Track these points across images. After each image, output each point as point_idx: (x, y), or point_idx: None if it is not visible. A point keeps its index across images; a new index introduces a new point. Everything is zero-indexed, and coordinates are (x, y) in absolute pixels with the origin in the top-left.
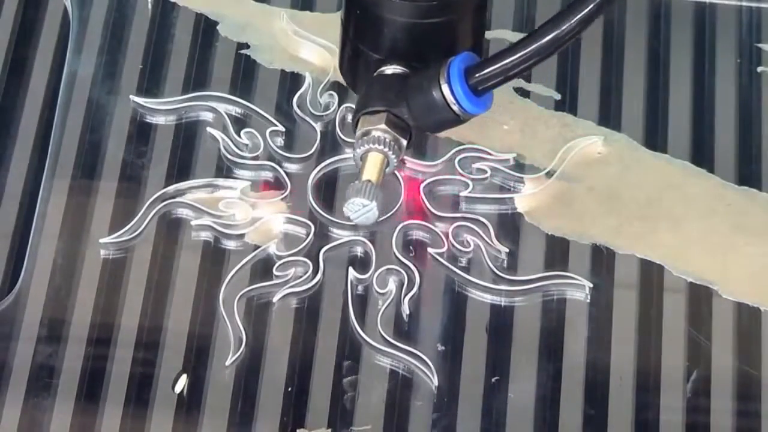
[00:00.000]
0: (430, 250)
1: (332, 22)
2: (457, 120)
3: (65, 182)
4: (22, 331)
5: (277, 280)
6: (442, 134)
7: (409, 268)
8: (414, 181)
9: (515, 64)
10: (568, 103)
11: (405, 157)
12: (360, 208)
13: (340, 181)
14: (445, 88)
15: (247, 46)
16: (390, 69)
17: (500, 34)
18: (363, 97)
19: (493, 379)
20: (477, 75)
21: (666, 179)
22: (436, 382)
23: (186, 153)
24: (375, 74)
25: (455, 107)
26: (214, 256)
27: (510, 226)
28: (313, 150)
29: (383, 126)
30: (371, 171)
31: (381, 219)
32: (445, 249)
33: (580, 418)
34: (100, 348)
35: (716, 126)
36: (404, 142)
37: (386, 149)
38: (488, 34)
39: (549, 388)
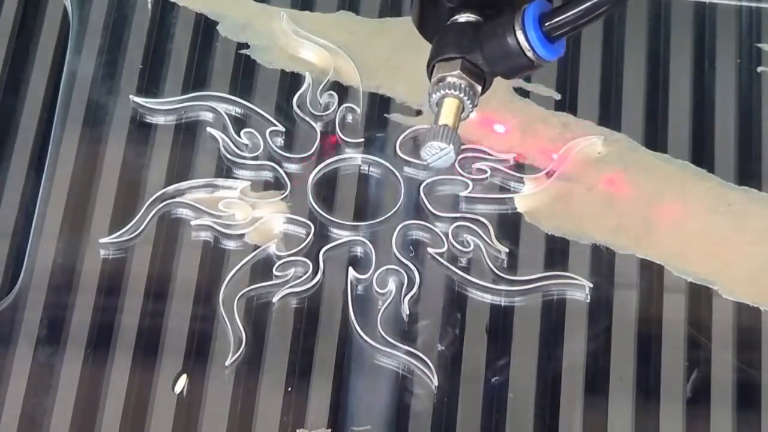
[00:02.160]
0: (430, 250)
1: (332, 22)
2: (531, 65)
3: (65, 182)
4: (22, 331)
5: (277, 280)
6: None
7: (409, 268)
8: None
9: (588, 11)
10: (568, 103)
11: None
12: (437, 152)
13: (340, 181)
14: (519, 34)
15: (247, 46)
16: (463, 17)
17: None
18: (437, 45)
19: (493, 379)
20: (551, 22)
21: (666, 179)
22: (436, 382)
23: (186, 153)
24: (449, 23)
25: (530, 53)
26: (214, 256)
27: (510, 226)
28: (313, 150)
29: (458, 72)
30: (448, 116)
31: (381, 219)
32: (445, 249)
33: (580, 418)
34: (100, 348)
35: (716, 126)
36: (479, 88)
37: (462, 95)
38: None
39: (549, 388)
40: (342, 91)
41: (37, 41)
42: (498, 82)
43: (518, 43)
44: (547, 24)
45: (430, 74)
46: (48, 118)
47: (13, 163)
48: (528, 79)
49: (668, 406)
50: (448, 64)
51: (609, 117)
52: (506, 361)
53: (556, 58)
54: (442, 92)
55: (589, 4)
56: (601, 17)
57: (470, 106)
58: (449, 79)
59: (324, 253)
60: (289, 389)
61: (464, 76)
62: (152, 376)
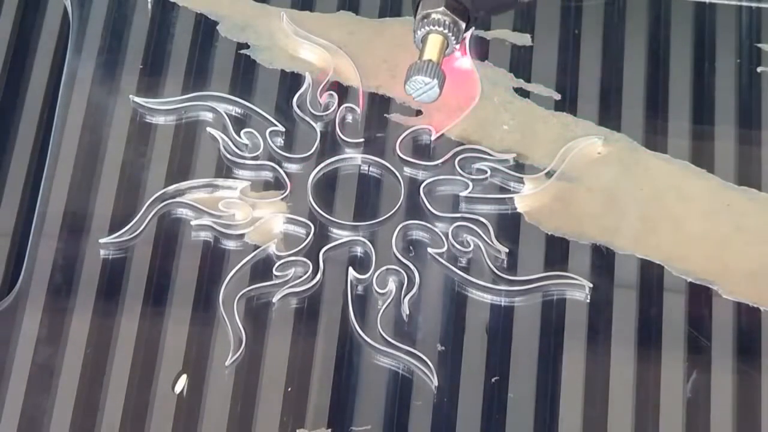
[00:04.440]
0: (430, 250)
1: (332, 22)
2: (514, 3)
3: (65, 182)
4: (22, 331)
5: (277, 280)
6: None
7: (409, 268)
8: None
9: None
10: (568, 103)
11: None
12: (422, 86)
13: (340, 181)
14: None
15: (247, 46)
16: None
17: (501, 34)
18: None
19: (493, 379)
20: None
21: (666, 179)
22: (436, 382)
23: (186, 153)
24: None
25: None
26: (214, 256)
27: (510, 226)
28: (313, 150)
29: (443, 9)
30: (432, 51)
31: (381, 219)
32: (445, 249)
33: (580, 418)
34: (100, 348)
35: (716, 126)
36: (463, 25)
37: (446, 31)
38: (488, 34)
39: (549, 388)
40: (342, 91)
41: (37, 41)
42: (498, 81)
43: None
44: None
45: (415, 11)
46: (48, 118)
47: (13, 163)
48: (528, 79)
49: (668, 407)
50: (432, 0)
51: (609, 117)
52: (506, 361)
53: None
54: (427, 28)
55: None
56: None
57: (454, 42)
58: (434, 15)
59: (324, 253)
60: (289, 389)
61: (448, 12)
62: (152, 376)
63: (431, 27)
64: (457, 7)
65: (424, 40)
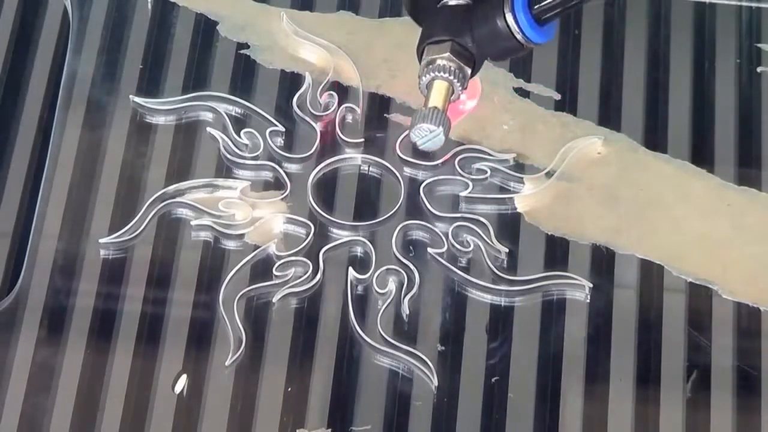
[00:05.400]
0: (430, 250)
1: (332, 22)
2: (520, 48)
3: (65, 182)
4: (22, 331)
5: (277, 280)
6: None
7: (409, 268)
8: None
9: None
10: (568, 103)
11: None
12: (427, 134)
13: (340, 181)
14: (509, 17)
15: (247, 46)
16: (453, 0)
17: None
18: (427, 27)
19: (493, 379)
20: (540, 5)
21: (666, 179)
22: (436, 382)
23: (186, 153)
24: (439, 5)
25: (519, 36)
26: (214, 256)
27: (510, 226)
28: (313, 150)
29: (448, 54)
30: (437, 98)
31: (381, 219)
32: (445, 249)
33: (580, 418)
34: (100, 348)
35: (716, 126)
36: (468, 71)
37: (451, 77)
38: None
39: (549, 388)
40: (342, 91)
41: (37, 41)
42: (498, 81)
43: (507, 25)
44: (536, 7)
45: (420, 56)
46: (48, 118)
47: (13, 163)
48: (528, 79)
49: (668, 407)
50: (438, 46)
51: (609, 117)
52: (506, 362)
53: (546, 42)
54: (432, 74)
55: None
56: (589, 0)
57: (459, 88)
58: (439, 61)
59: (324, 253)
60: (289, 389)
61: (454, 58)
62: (152, 376)
63: (436, 73)
64: (462, 53)
65: (429, 86)
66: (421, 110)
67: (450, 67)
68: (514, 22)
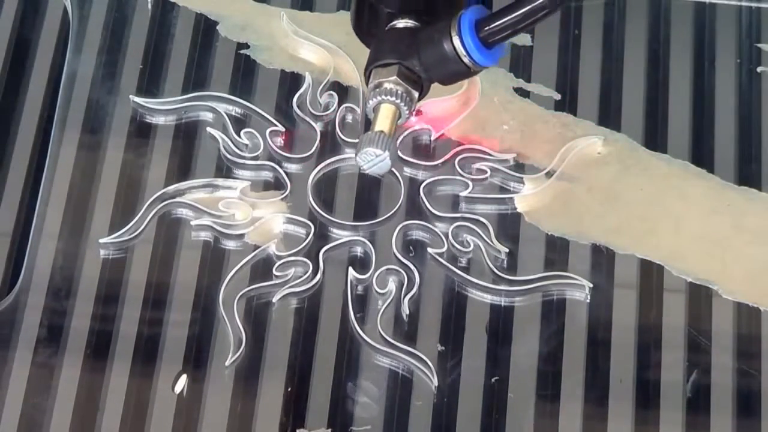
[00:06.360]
0: (430, 250)
1: (332, 22)
2: (467, 72)
3: (65, 182)
4: (22, 332)
5: (277, 280)
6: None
7: (409, 268)
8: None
9: (524, 16)
10: (568, 103)
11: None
12: (373, 158)
13: (340, 181)
14: (456, 40)
15: (247, 46)
16: (401, 23)
17: None
18: (375, 50)
19: (493, 379)
20: (487, 28)
21: (666, 179)
22: (436, 382)
23: (186, 153)
24: (387, 28)
25: (466, 59)
26: (214, 256)
27: (510, 226)
28: (313, 150)
29: (395, 78)
30: (384, 122)
31: (381, 219)
32: (445, 249)
33: (580, 418)
34: (100, 348)
35: (716, 126)
36: (416, 94)
37: (398, 101)
38: None
39: (549, 388)
40: (342, 91)
41: (37, 41)
42: (498, 81)
43: (454, 49)
44: (484, 30)
45: (367, 80)
46: (48, 118)
47: (13, 163)
48: (528, 79)
49: (668, 407)
50: (385, 69)
51: (609, 117)
52: (506, 361)
53: (492, 65)
54: (379, 98)
55: (525, 9)
56: (537, 23)
57: (407, 112)
58: (386, 85)
59: (324, 253)
60: (289, 389)
61: (401, 82)
62: (152, 376)
63: (383, 96)
64: (409, 76)
65: (375, 109)
66: (368, 134)
67: (397, 90)
68: (461, 45)
